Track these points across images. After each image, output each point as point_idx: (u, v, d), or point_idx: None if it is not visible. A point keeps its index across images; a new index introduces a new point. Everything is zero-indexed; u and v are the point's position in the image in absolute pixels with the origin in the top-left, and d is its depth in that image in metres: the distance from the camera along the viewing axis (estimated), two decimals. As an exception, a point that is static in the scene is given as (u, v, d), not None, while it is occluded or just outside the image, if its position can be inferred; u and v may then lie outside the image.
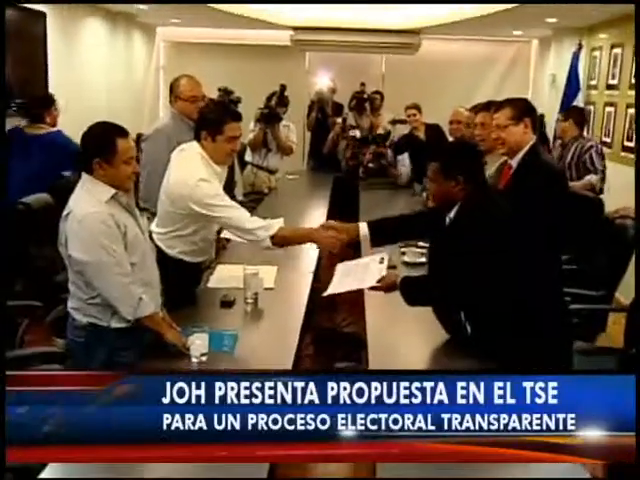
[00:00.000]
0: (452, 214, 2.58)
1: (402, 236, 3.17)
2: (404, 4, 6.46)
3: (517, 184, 2.84)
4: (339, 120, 6.87)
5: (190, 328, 2.45)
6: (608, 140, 6.40)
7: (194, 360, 2.39)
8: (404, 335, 2.81)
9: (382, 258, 2.65)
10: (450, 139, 4.93)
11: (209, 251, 3.21)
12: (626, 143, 6.01)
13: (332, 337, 4.54)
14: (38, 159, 4.37)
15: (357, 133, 6.45)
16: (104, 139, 2.45)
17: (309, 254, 3.84)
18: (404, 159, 6.24)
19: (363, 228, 2.90)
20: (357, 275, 2.69)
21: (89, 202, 2.44)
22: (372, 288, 2.61)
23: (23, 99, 4.94)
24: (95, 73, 7.03)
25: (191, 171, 2.91)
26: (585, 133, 5.60)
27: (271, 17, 7.61)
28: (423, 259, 3.54)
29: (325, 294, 2.77)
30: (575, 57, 6.92)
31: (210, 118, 2.99)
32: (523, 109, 2.95)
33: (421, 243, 3.66)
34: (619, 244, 3.57)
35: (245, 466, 1.78)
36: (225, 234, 3.33)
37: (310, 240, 3.07)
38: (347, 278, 2.71)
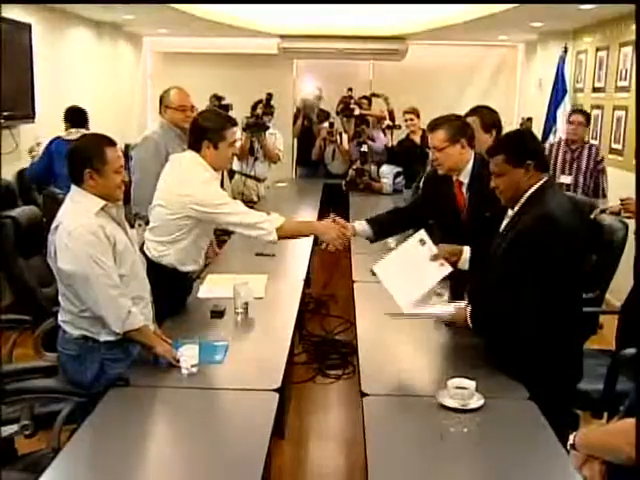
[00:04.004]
0: (517, 207, 2.48)
1: (399, 228, 3.37)
2: (394, 4, 6.42)
3: (473, 199, 3.00)
4: (325, 125, 6.88)
5: (181, 340, 2.43)
6: (595, 142, 6.43)
7: (184, 372, 2.38)
8: (395, 340, 2.80)
9: (421, 239, 2.66)
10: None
11: (199, 260, 3.20)
12: (613, 145, 6.04)
13: (323, 345, 4.53)
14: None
15: (365, 148, 6.50)
16: (94, 150, 2.45)
17: (299, 262, 3.83)
18: (384, 172, 6.35)
19: (362, 224, 3.24)
20: (414, 275, 2.62)
21: (79, 214, 2.43)
22: (448, 324, 2.67)
23: (8, 111, 4.94)
24: (81, 83, 7.00)
25: (194, 175, 2.94)
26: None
27: (258, 25, 7.60)
28: None
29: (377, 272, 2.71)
30: (561, 61, 6.96)
31: (211, 127, 2.98)
32: (458, 130, 2.98)
33: None
34: (607, 245, 3.57)
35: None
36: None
37: (313, 230, 3.24)
38: (406, 281, 2.61)
